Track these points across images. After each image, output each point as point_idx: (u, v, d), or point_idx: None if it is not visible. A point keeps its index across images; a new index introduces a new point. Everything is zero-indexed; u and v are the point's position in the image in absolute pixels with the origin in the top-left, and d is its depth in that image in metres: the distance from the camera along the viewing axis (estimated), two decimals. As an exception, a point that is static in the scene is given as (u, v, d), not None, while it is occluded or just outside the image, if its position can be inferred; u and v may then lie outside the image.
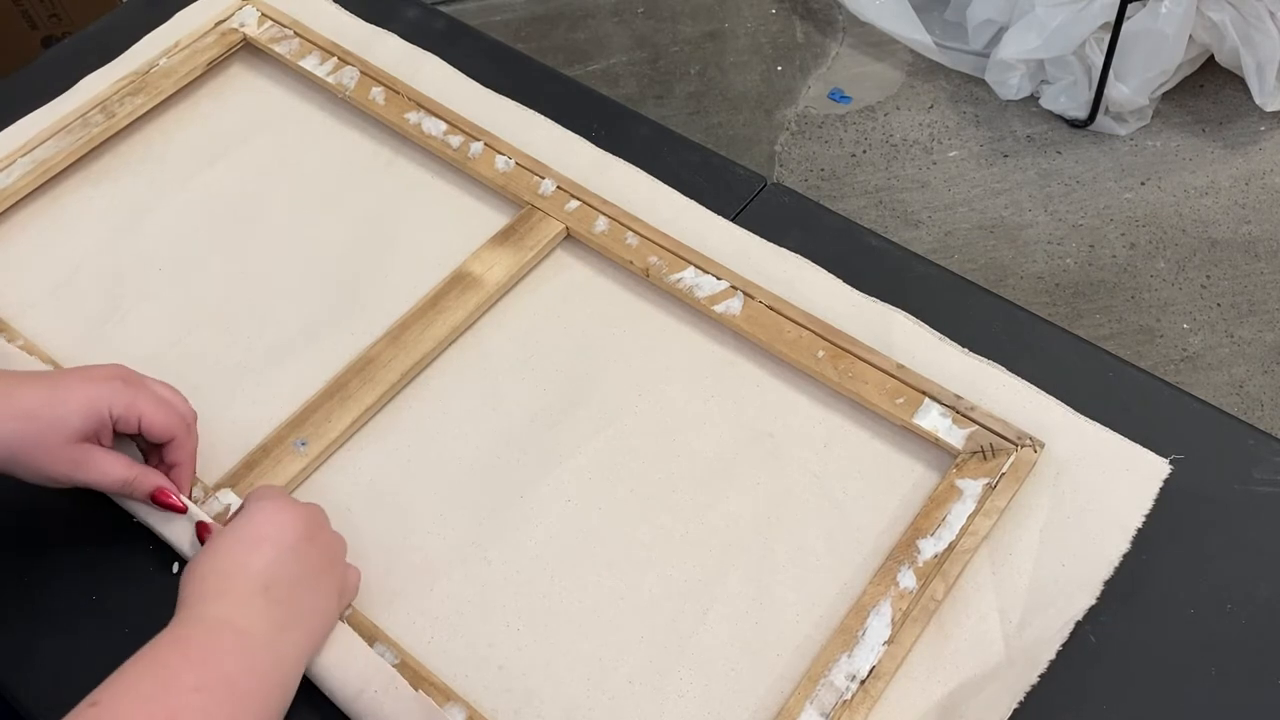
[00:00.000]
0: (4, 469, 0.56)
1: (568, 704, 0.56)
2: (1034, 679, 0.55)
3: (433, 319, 0.69)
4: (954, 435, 0.63)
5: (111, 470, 0.58)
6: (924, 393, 0.64)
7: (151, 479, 0.59)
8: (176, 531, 0.60)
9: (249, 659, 0.49)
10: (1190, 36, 1.71)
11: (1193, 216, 1.72)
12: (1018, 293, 1.64)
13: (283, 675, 0.51)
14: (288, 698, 0.51)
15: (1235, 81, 1.82)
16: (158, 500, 0.60)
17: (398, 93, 0.81)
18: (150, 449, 0.62)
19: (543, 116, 0.80)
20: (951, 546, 0.58)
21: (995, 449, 0.62)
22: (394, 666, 0.56)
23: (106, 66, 0.84)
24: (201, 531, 0.59)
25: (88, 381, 0.58)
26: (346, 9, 0.89)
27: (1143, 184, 1.76)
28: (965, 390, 0.65)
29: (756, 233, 0.73)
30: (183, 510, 0.60)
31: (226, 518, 0.60)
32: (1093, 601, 0.57)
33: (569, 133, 0.79)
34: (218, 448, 0.65)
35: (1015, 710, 0.54)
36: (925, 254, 0.81)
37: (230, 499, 0.61)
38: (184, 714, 0.46)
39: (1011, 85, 1.84)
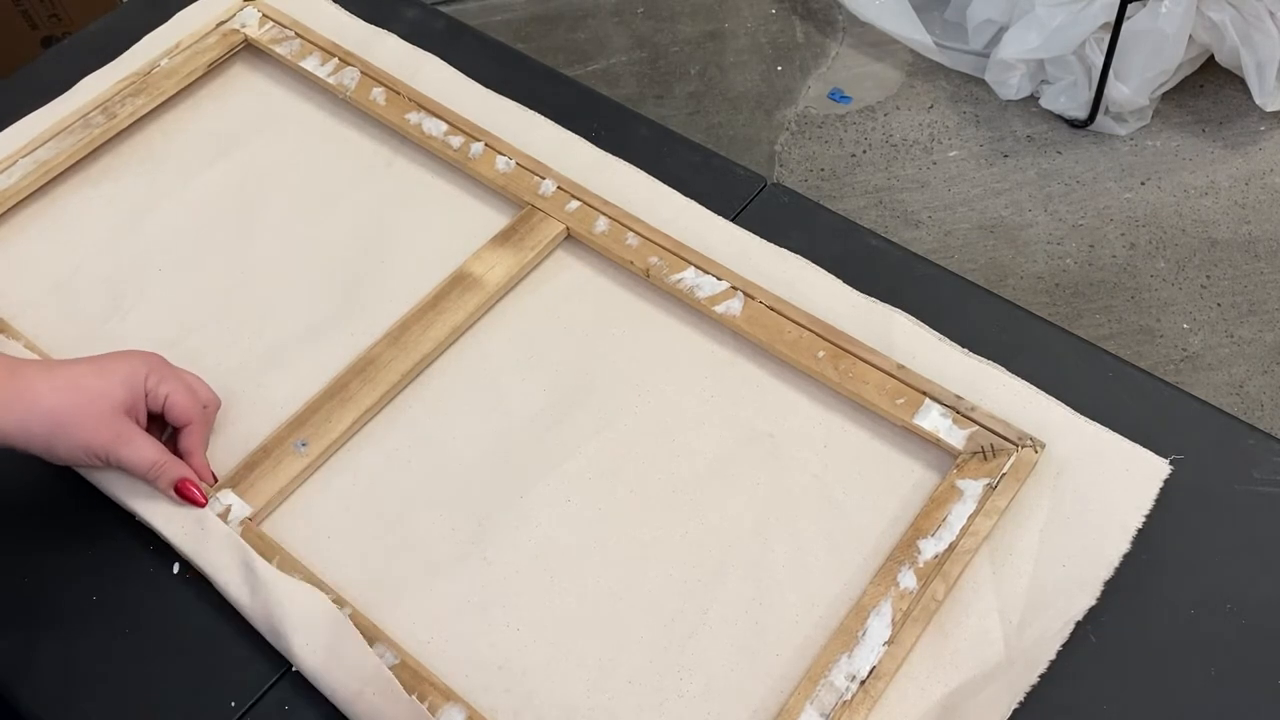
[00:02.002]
0: (44, 444, 0.58)
1: (568, 704, 0.56)
2: (1034, 679, 0.55)
3: (433, 320, 0.69)
4: (954, 436, 0.63)
5: (145, 450, 0.60)
6: (924, 393, 0.64)
7: (179, 468, 0.61)
8: (175, 529, 0.60)
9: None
10: (1190, 36, 1.71)
11: (1193, 216, 1.72)
12: (1018, 293, 1.64)
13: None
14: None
15: (1235, 81, 1.82)
16: (180, 490, 0.61)
17: (398, 93, 0.81)
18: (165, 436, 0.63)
19: (543, 117, 0.80)
20: (952, 547, 0.58)
21: (996, 449, 0.62)
22: (393, 667, 0.56)
23: (107, 67, 0.84)
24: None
25: (127, 356, 0.61)
26: (347, 9, 0.89)
27: (1143, 184, 1.76)
28: (965, 390, 0.65)
29: (756, 233, 0.73)
30: (203, 504, 0.61)
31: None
32: (1093, 602, 0.57)
33: (569, 133, 0.79)
34: (218, 448, 0.65)
35: (1015, 710, 0.54)
36: (925, 254, 0.81)
37: (231, 499, 0.61)
38: None
39: (1011, 85, 1.84)
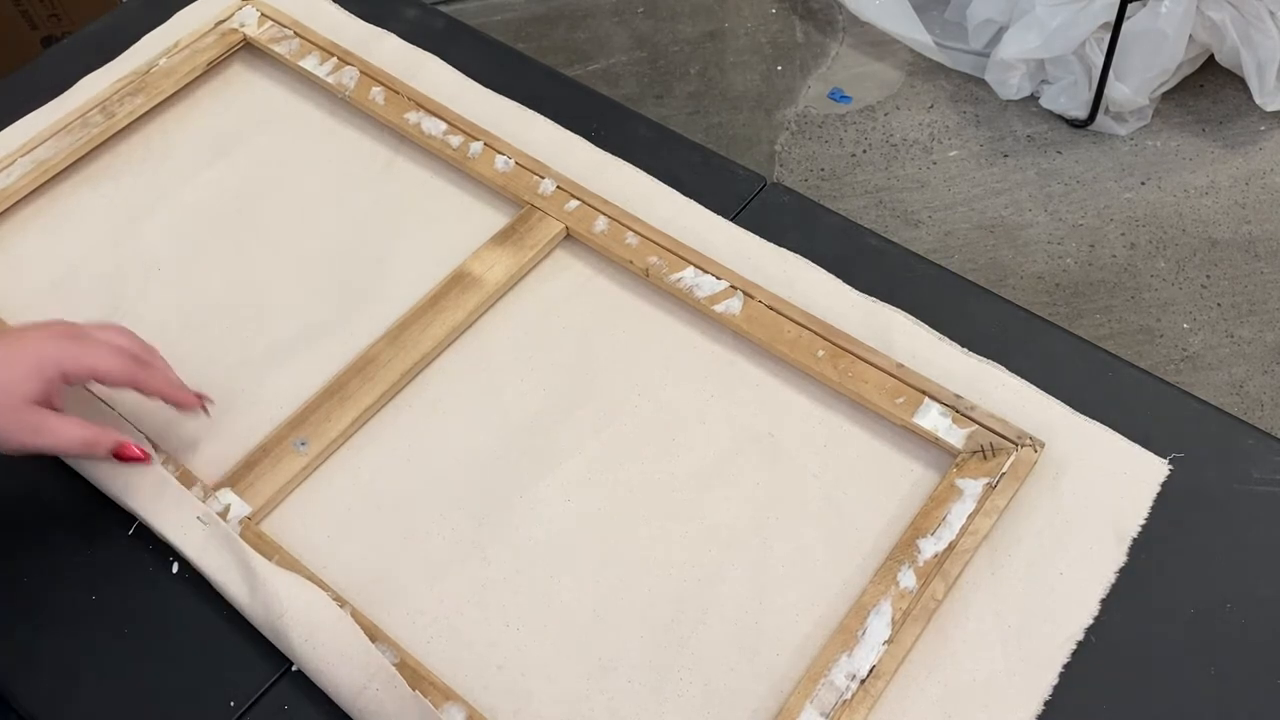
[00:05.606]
0: None
1: (568, 704, 0.56)
2: (1034, 679, 0.55)
3: (433, 319, 0.69)
4: (954, 435, 0.63)
5: (68, 433, 0.57)
6: (924, 392, 0.64)
7: (110, 435, 0.59)
8: (175, 529, 0.60)
9: None
10: (1190, 36, 1.71)
11: (1193, 216, 1.72)
12: (1018, 293, 1.64)
13: None
14: None
15: (1235, 81, 1.82)
16: (119, 456, 0.60)
17: (398, 93, 0.81)
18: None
19: (543, 117, 0.80)
20: (951, 546, 0.58)
21: (995, 449, 0.62)
22: (393, 666, 0.55)
23: (106, 66, 0.84)
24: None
25: (36, 344, 0.57)
26: (346, 9, 0.89)
27: (1143, 184, 1.76)
28: (965, 390, 0.65)
29: (756, 232, 0.73)
30: (146, 460, 0.61)
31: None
32: (1090, 620, 0.57)
33: (569, 133, 0.79)
34: (218, 447, 0.65)
35: (1015, 710, 0.54)
36: (925, 254, 0.81)
37: (230, 499, 0.61)
38: None
39: (1011, 85, 1.84)
